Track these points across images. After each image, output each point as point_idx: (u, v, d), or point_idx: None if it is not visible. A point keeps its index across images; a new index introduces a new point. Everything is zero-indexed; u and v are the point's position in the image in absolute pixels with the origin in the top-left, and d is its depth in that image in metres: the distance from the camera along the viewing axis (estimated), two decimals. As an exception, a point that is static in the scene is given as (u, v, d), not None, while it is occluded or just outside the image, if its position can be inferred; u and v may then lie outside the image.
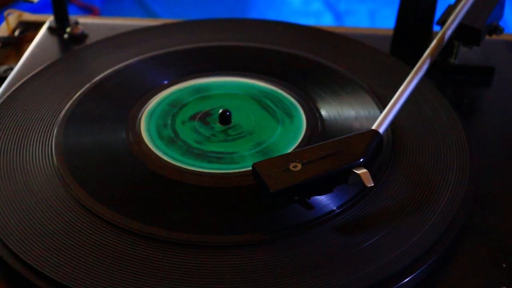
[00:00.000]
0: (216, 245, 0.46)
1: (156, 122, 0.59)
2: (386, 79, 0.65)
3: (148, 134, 0.57)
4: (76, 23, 0.77)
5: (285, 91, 0.63)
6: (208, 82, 0.65)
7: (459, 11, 0.63)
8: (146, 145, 0.55)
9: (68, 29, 0.76)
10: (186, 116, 0.60)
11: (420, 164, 0.54)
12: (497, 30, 0.68)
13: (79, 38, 0.76)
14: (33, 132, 0.57)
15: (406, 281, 0.44)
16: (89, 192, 0.50)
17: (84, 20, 0.79)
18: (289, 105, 0.61)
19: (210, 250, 0.46)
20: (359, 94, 0.62)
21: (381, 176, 0.52)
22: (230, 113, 0.58)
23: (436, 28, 0.73)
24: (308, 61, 0.67)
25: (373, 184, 0.48)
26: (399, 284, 0.44)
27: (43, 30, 0.77)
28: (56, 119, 0.58)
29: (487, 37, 0.68)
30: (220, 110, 0.59)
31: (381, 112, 0.56)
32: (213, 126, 0.59)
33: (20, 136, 0.56)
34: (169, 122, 0.59)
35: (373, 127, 0.52)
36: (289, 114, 0.60)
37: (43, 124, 0.58)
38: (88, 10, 1.70)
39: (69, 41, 0.75)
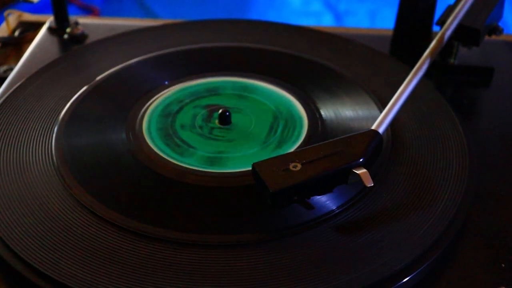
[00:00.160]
0: (216, 245, 0.46)
1: (156, 122, 0.59)
2: (385, 80, 0.65)
3: (148, 134, 0.57)
4: (76, 23, 0.77)
5: (289, 92, 0.63)
6: (208, 82, 0.65)
7: (459, 12, 0.63)
8: (146, 145, 0.55)
9: (68, 30, 0.76)
10: (186, 116, 0.60)
11: (420, 164, 0.54)
12: (497, 30, 0.68)
13: (79, 38, 0.76)
14: (33, 132, 0.57)
15: (406, 281, 0.44)
16: (89, 191, 0.50)
17: (84, 21, 0.79)
18: (296, 117, 0.60)
19: (210, 250, 0.46)
20: (359, 94, 0.62)
21: (381, 176, 0.53)
22: (229, 114, 0.59)
23: (435, 28, 0.73)
24: (308, 62, 0.68)
25: (372, 184, 0.48)
26: (398, 284, 0.44)
27: (43, 30, 0.77)
28: (56, 119, 0.58)
29: (486, 37, 0.68)
30: (220, 110, 0.59)
31: (380, 112, 0.56)
32: (212, 126, 0.59)
33: (20, 136, 0.56)
34: (169, 122, 0.59)
35: (373, 127, 0.52)
36: (281, 142, 0.57)
37: (43, 124, 0.58)
38: (88, 10, 1.70)
39: (69, 41, 0.75)
